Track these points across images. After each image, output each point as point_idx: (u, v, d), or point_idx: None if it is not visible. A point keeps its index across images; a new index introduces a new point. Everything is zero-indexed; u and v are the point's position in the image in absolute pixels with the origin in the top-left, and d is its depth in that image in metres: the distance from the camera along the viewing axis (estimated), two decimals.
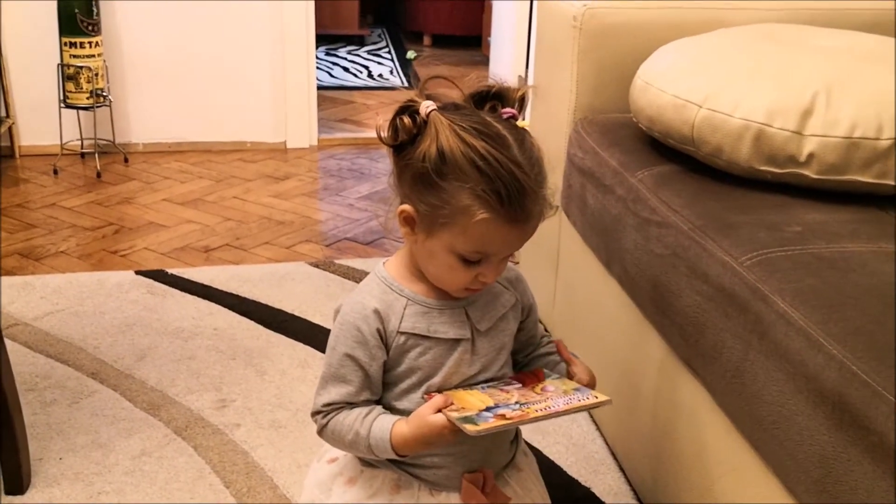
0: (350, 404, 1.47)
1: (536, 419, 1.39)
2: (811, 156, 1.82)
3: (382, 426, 1.44)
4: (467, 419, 1.35)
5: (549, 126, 2.60)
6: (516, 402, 1.41)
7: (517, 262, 3.05)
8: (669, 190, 1.97)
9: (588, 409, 1.57)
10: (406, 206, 1.42)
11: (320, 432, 1.51)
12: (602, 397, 1.46)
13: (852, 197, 1.84)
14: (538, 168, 1.38)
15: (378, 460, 1.57)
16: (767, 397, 1.47)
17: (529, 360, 1.66)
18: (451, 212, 1.35)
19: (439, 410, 1.39)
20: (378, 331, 1.45)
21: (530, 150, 1.38)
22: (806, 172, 1.84)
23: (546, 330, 1.70)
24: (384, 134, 1.46)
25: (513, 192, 1.32)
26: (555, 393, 1.46)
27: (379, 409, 1.48)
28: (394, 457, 1.45)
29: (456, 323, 1.48)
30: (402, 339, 1.46)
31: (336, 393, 1.47)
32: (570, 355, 1.58)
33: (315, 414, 1.50)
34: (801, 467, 1.39)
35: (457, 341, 1.48)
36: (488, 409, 1.39)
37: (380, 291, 1.48)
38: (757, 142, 1.86)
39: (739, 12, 2.48)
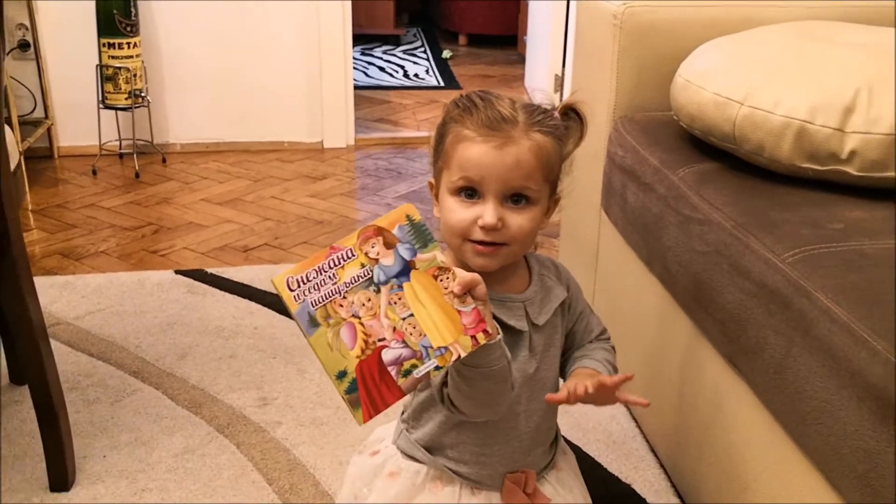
0: None
1: None
2: (853, 153, 1.82)
3: None
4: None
5: (589, 124, 2.60)
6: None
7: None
8: (711, 187, 1.97)
9: None
10: (431, 179, 1.52)
11: (452, 405, 1.43)
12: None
13: (894, 194, 1.84)
14: (530, 109, 1.43)
15: (422, 455, 1.58)
16: (811, 393, 1.48)
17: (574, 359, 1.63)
18: (445, 149, 1.44)
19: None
20: None
21: (523, 102, 1.45)
22: (848, 169, 1.84)
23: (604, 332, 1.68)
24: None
25: (483, 110, 1.40)
26: None
27: None
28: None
29: (515, 315, 1.49)
30: None
31: None
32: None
33: (441, 389, 1.44)
34: (846, 462, 1.39)
35: (517, 333, 1.49)
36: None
37: None
38: (798, 139, 1.86)
39: (778, 10, 2.47)
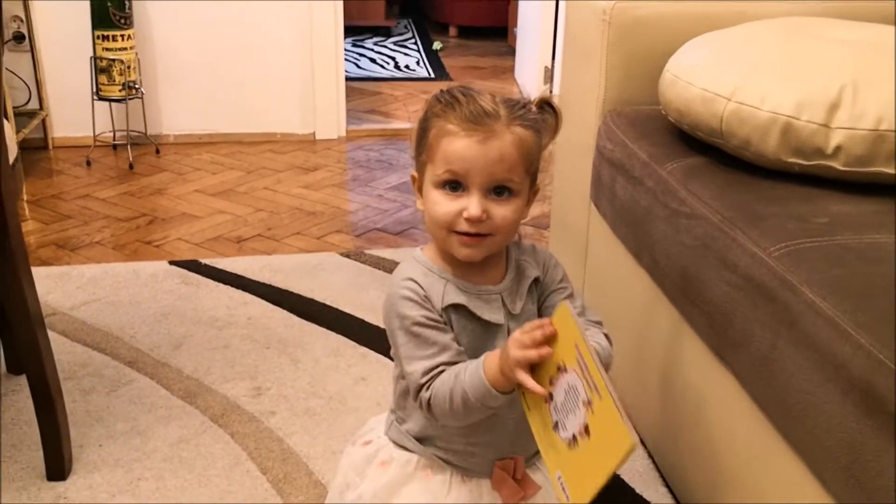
0: (445, 364, 1.45)
1: None
2: (838, 148, 1.84)
3: (476, 361, 1.42)
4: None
5: (579, 118, 2.62)
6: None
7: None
8: (698, 182, 1.99)
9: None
10: (413, 172, 1.55)
11: (428, 409, 1.46)
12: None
13: (879, 188, 1.86)
14: (511, 104, 1.46)
15: (413, 445, 1.61)
16: (796, 385, 1.50)
17: None
18: (428, 143, 1.46)
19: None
20: (425, 297, 1.47)
21: (503, 96, 1.48)
22: (833, 164, 1.86)
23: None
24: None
25: (466, 105, 1.42)
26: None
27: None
28: (492, 392, 1.38)
29: (493, 307, 1.51)
30: (446, 316, 1.48)
31: (423, 361, 1.46)
32: None
33: (417, 392, 1.47)
34: (830, 454, 1.41)
35: (495, 326, 1.51)
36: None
37: (420, 273, 1.51)
38: (784, 134, 1.88)
39: (765, 6, 2.50)
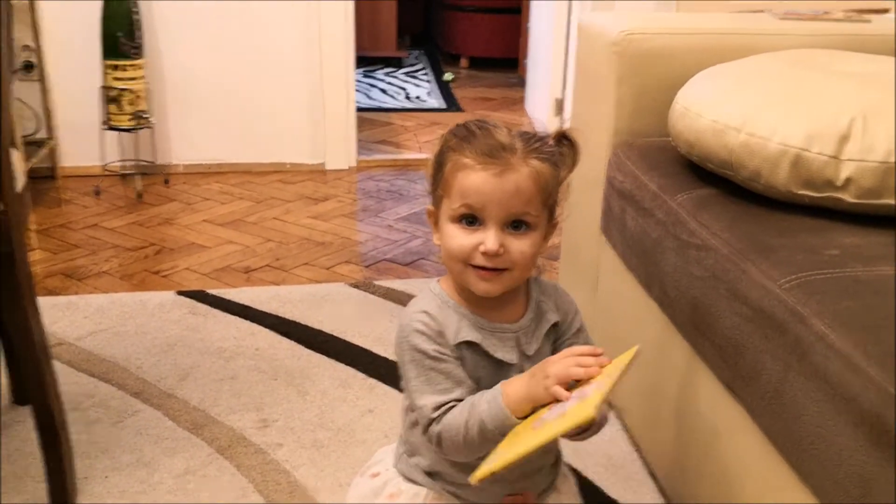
0: (457, 400, 1.44)
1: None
2: (848, 180, 1.83)
3: (492, 390, 1.42)
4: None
5: (589, 149, 2.59)
6: None
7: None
8: (709, 213, 1.98)
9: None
10: (429, 206, 1.54)
11: (438, 443, 1.46)
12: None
13: (889, 221, 1.85)
14: (527, 137, 1.45)
15: (422, 479, 1.59)
16: (807, 418, 1.49)
17: None
18: (444, 177, 1.46)
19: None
20: (438, 332, 1.46)
21: (519, 129, 1.48)
22: (843, 196, 1.85)
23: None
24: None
25: (482, 139, 1.43)
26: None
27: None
28: (511, 419, 1.37)
29: (506, 346, 1.50)
30: (458, 352, 1.47)
31: (435, 395, 1.45)
32: None
33: (427, 426, 1.46)
34: (841, 487, 1.40)
35: (508, 365, 1.50)
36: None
37: (435, 306, 1.50)
38: (795, 166, 1.88)
39: (774, 38, 2.50)
